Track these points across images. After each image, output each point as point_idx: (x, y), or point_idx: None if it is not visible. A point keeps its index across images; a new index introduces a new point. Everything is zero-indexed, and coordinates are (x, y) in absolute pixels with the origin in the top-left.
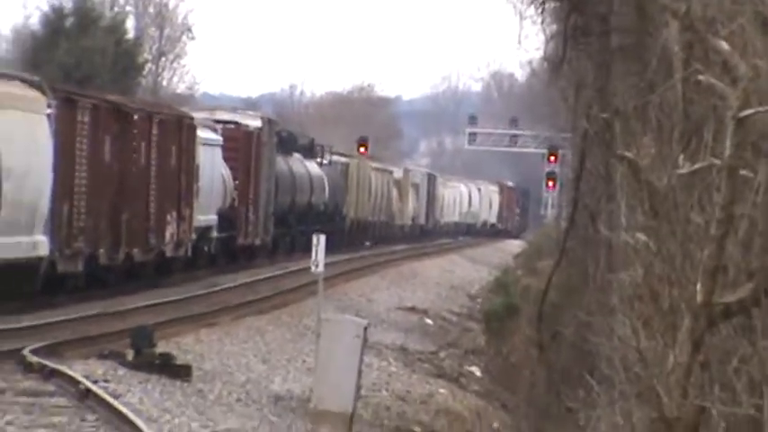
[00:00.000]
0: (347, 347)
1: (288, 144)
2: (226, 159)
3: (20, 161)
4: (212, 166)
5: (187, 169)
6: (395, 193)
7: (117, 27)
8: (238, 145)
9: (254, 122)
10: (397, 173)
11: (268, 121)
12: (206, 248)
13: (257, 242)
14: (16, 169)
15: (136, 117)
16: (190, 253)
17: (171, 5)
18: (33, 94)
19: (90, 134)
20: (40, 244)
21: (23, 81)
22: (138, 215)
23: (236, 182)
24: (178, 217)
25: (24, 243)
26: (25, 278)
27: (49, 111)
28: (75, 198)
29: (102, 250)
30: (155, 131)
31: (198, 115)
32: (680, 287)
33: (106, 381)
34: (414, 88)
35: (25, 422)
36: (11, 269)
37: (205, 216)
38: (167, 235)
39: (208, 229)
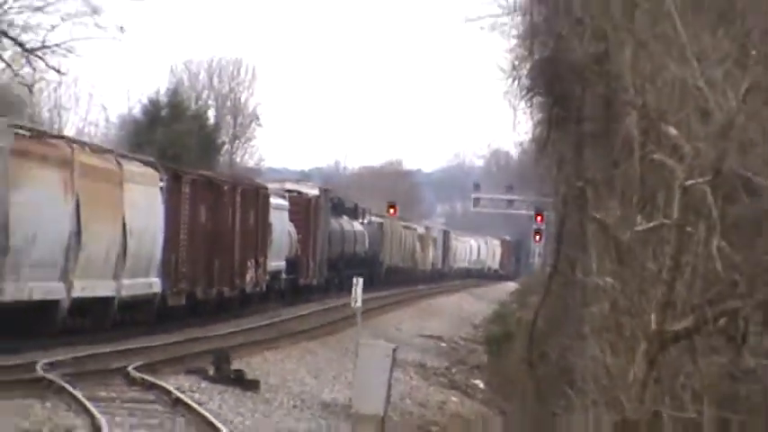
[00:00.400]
0: (380, 365)
1: (338, 208)
2: (291, 219)
3: (140, 223)
4: (281, 225)
5: (262, 227)
6: (418, 245)
7: (201, 116)
8: (301, 209)
9: (313, 191)
10: (420, 229)
11: (324, 191)
12: (276, 287)
13: (314, 282)
14: (137, 229)
15: (225, 188)
16: (264, 290)
17: (243, 99)
18: (150, 171)
19: (190, 201)
20: (154, 284)
21: (142, 161)
22: (226, 262)
23: (300, 236)
24: (256, 263)
25: (143, 283)
26: (144, 310)
27: (161, 184)
28: (180, 250)
29: (199, 288)
30: (238, 199)
31: (270, 185)
32: (638, 318)
33: (192, 391)
34: (431, 163)
35: (131, 423)
36: (135, 303)
37: (276, 263)
38: (248, 277)
39: (278, 272)
